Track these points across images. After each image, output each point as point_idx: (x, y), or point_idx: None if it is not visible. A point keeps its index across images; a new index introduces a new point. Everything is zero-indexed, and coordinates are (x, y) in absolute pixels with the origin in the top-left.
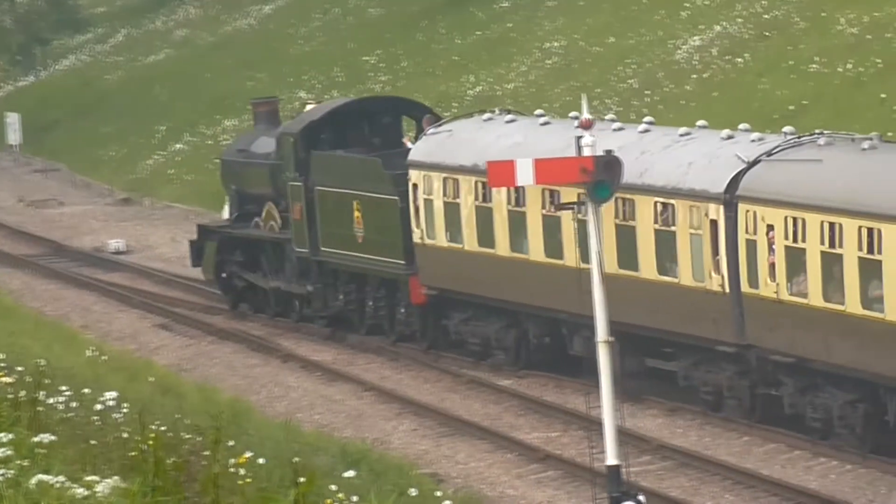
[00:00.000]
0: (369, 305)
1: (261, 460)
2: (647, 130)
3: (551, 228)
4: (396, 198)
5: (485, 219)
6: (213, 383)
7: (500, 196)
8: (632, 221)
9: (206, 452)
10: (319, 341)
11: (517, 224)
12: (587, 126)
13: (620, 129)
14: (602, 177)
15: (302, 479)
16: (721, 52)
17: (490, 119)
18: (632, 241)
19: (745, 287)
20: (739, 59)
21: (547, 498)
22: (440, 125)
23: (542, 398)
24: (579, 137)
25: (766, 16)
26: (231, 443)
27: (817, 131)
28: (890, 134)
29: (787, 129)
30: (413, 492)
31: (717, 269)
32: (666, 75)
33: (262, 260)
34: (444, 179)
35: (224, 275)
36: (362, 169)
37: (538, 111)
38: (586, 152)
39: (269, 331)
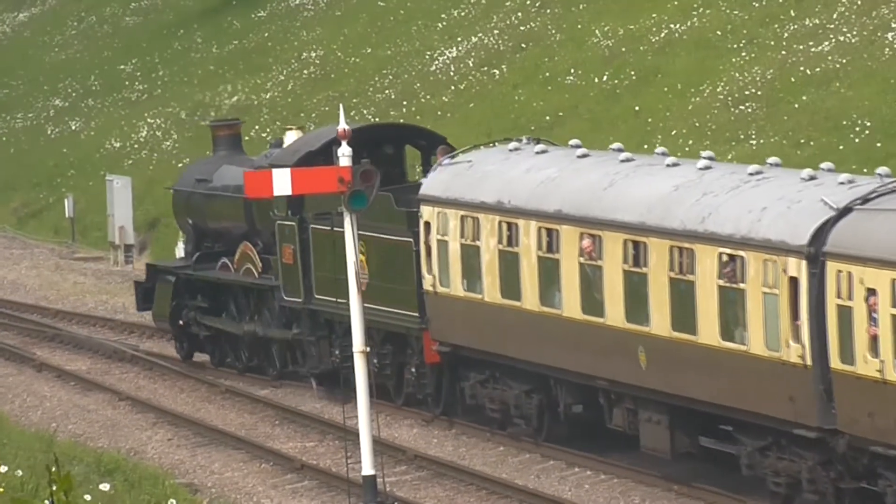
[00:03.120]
0: (373, 364)
1: (19, 473)
2: (707, 167)
3: (589, 280)
4: (411, 239)
5: (509, 266)
6: None
7: (528, 240)
8: (690, 276)
9: None
10: (74, 350)
11: (548, 273)
12: (344, 136)
13: (675, 164)
14: (359, 187)
15: (57, 479)
16: (478, 63)
17: (517, 149)
18: (689, 300)
19: (835, 362)
20: (496, 71)
21: None
22: (456, 154)
23: (299, 408)
24: (336, 147)
25: (522, 28)
26: None
27: None
28: (646, 146)
29: (881, 170)
30: (172, 503)
31: (797, 337)
32: (423, 86)
33: (231, 307)
34: (462, 218)
35: (181, 322)
36: (370, 205)
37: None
38: (344, 162)
39: (23, 339)
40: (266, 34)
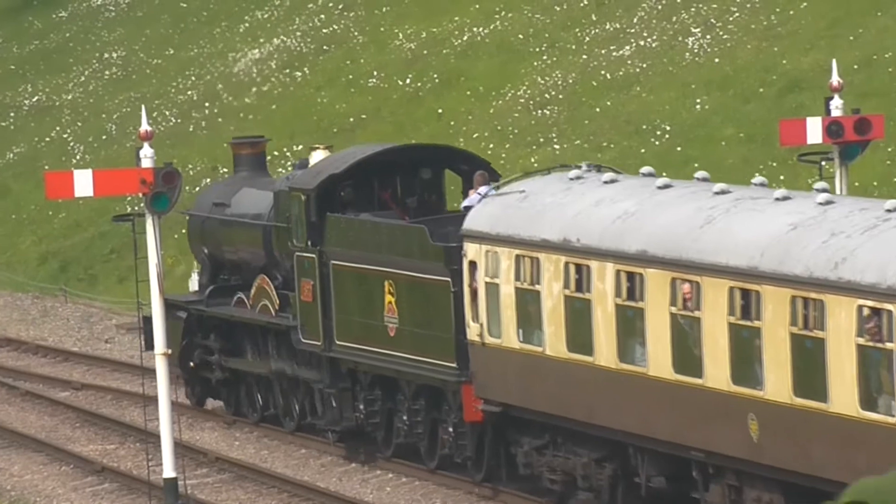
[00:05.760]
0: (402, 420)
1: None
2: (829, 202)
3: (684, 333)
4: (448, 279)
5: (579, 315)
6: None
7: (602, 285)
8: (819, 332)
9: None
10: None
11: (629, 324)
12: (146, 137)
13: (786, 198)
14: (161, 189)
15: None
16: (280, 65)
17: (579, 178)
18: (818, 360)
19: None
20: (299, 73)
21: None
22: (503, 184)
23: (100, 410)
24: (139, 149)
25: (325, 30)
26: None
27: None
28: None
29: None
30: None
31: None
32: (225, 87)
33: (246, 348)
34: (518, 258)
35: (192, 363)
36: (401, 239)
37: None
38: (146, 163)
39: None
40: (67, 34)
